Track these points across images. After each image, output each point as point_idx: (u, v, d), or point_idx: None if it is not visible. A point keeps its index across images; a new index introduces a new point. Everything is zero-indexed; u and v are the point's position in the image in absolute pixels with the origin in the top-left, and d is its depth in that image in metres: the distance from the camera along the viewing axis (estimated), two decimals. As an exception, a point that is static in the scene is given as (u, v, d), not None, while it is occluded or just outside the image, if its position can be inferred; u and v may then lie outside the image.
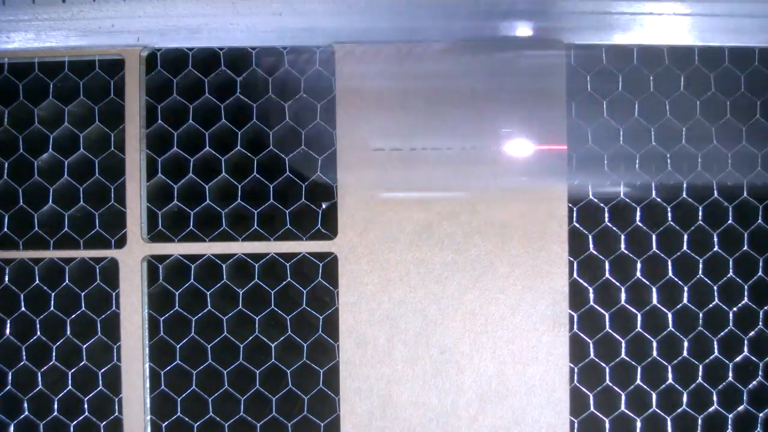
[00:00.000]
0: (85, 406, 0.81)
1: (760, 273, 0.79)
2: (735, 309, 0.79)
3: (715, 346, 0.79)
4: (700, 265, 0.79)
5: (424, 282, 0.77)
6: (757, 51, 0.78)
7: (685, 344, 0.79)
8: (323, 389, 0.80)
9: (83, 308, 0.81)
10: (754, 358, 0.79)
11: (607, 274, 0.79)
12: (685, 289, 0.79)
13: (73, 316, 0.81)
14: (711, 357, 0.79)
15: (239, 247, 0.80)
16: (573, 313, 0.78)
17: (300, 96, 0.80)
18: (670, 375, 0.79)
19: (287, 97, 0.80)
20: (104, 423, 0.81)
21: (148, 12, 0.80)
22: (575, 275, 0.79)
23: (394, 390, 0.77)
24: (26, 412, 0.81)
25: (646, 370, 0.79)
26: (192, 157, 0.81)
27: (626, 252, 0.79)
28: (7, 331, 0.81)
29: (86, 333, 0.81)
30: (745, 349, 0.79)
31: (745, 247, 0.78)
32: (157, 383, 0.80)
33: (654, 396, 0.78)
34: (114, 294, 0.80)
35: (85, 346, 0.81)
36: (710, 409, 0.78)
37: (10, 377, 0.81)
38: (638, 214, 0.79)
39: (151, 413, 0.80)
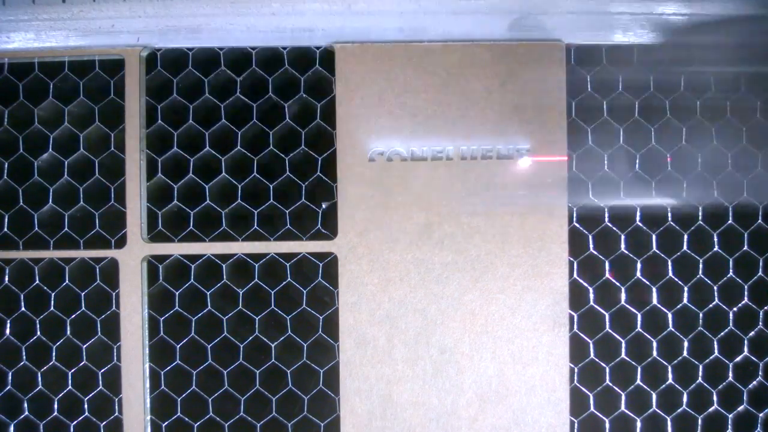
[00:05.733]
0: (85, 406, 0.81)
1: (760, 273, 0.79)
2: (735, 309, 0.79)
3: (715, 346, 0.79)
4: (700, 265, 0.79)
5: (424, 282, 0.77)
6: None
7: (685, 344, 0.79)
8: (323, 389, 0.80)
9: (83, 308, 0.81)
10: (754, 358, 0.79)
11: (607, 275, 0.79)
12: (685, 289, 0.79)
13: (73, 316, 0.81)
14: (711, 357, 0.79)
15: (239, 247, 0.80)
16: (573, 313, 0.78)
17: (300, 96, 0.80)
18: (670, 375, 0.79)
19: (287, 97, 0.80)
20: (104, 423, 0.81)
21: (148, 12, 0.80)
22: (575, 275, 0.79)
23: (394, 390, 0.77)
24: (26, 412, 0.81)
25: (646, 370, 0.79)
26: (192, 157, 0.81)
27: (626, 252, 0.79)
28: (7, 331, 0.81)
29: (86, 333, 0.81)
30: (745, 349, 0.79)
31: (745, 247, 0.78)
32: (157, 383, 0.80)
33: (654, 396, 0.78)
34: (114, 294, 0.80)
35: (85, 346, 0.81)
36: (710, 409, 0.78)
37: (10, 377, 0.81)
38: (638, 214, 0.80)
39: (151, 413, 0.80)
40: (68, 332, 0.81)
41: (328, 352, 0.80)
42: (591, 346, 0.79)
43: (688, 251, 0.79)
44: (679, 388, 0.79)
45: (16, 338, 0.81)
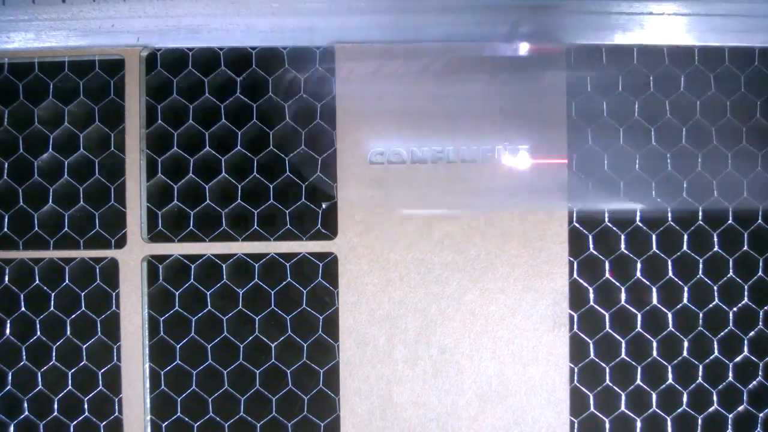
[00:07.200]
0: (85, 406, 0.81)
1: (760, 273, 0.79)
2: (735, 309, 0.79)
3: (715, 346, 0.79)
4: (700, 265, 0.79)
5: (424, 282, 0.77)
6: (757, 51, 0.78)
7: (685, 344, 0.79)
8: (323, 389, 0.80)
9: (83, 308, 0.81)
10: (754, 358, 0.79)
11: (607, 274, 0.79)
12: (685, 289, 0.79)
13: (73, 316, 0.81)
14: (711, 357, 0.79)
15: (239, 247, 0.80)
16: (573, 313, 0.78)
17: (300, 96, 0.80)
18: (670, 375, 0.79)
19: (287, 97, 0.80)
20: (104, 423, 0.81)
21: (148, 12, 0.80)
22: (575, 275, 0.79)
23: (394, 390, 0.77)
24: (26, 412, 0.81)
25: (646, 370, 0.79)
26: (192, 157, 0.81)
27: (626, 252, 0.79)
28: (7, 331, 0.81)
29: (86, 333, 0.81)
30: (745, 349, 0.79)
31: (745, 247, 0.78)
32: (157, 383, 0.80)
33: (654, 396, 0.78)
34: (114, 294, 0.80)
35: (85, 346, 0.81)
36: (710, 409, 0.78)
37: (10, 377, 0.81)
38: (638, 214, 0.79)
39: (151, 413, 0.80)
40: (68, 332, 0.81)
41: (328, 352, 0.80)
42: (591, 346, 0.79)
43: (688, 251, 0.79)
44: (679, 388, 0.79)
45: (16, 338, 0.81)
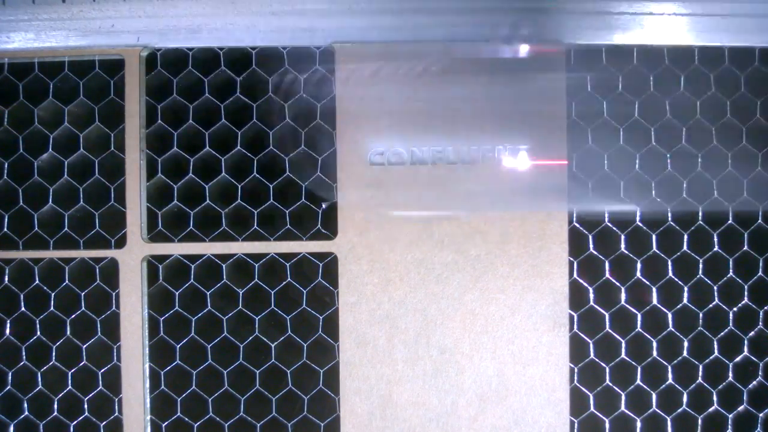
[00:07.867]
0: (85, 406, 0.81)
1: (760, 273, 0.79)
2: (735, 309, 0.79)
3: (715, 346, 0.79)
4: (700, 265, 0.79)
5: (424, 282, 0.77)
6: (757, 51, 0.78)
7: (685, 344, 0.79)
8: (323, 389, 0.80)
9: (83, 308, 0.81)
10: (754, 358, 0.79)
11: (607, 274, 0.79)
12: (685, 289, 0.79)
13: (73, 316, 0.81)
14: (711, 357, 0.79)
15: (239, 247, 0.80)
16: (573, 313, 0.78)
17: (300, 96, 0.80)
18: (670, 375, 0.79)
19: (287, 97, 0.80)
20: (104, 423, 0.81)
21: (148, 12, 0.80)
22: (575, 275, 0.79)
23: (394, 390, 0.77)
24: (26, 412, 0.81)
25: (646, 370, 0.79)
26: (192, 157, 0.81)
27: (626, 252, 0.79)
28: (7, 331, 0.81)
29: (86, 333, 0.81)
30: (745, 349, 0.79)
31: (745, 247, 0.78)
32: (157, 383, 0.80)
33: (654, 396, 0.78)
34: (114, 294, 0.80)
35: (85, 346, 0.81)
36: (710, 409, 0.78)
37: (10, 377, 0.81)
38: (638, 214, 0.79)
39: (151, 413, 0.80)
40: (68, 332, 0.81)
41: (328, 352, 0.80)
42: (591, 346, 0.79)
43: (688, 251, 0.79)
44: (679, 388, 0.79)
45: (16, 338, 0.81)
